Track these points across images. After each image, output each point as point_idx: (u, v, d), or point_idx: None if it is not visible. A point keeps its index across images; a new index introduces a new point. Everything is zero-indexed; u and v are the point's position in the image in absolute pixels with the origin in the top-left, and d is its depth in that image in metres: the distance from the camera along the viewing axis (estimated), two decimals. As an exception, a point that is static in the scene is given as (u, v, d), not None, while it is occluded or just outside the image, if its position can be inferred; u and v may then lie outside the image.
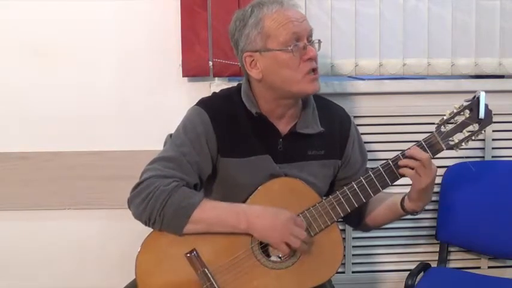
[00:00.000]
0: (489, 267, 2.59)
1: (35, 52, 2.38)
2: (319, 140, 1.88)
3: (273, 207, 1.75)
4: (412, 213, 1.86)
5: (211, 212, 1.74)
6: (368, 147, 2.09)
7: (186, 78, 2.40)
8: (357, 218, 1.97)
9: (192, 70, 2.36)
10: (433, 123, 1.78)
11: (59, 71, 2.40)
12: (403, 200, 1.85)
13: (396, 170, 1.77)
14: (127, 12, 2.39)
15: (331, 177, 1.95)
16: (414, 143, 1.78)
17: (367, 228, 2.04)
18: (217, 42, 2.35)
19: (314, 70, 1.80)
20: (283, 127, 1.87)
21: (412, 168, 1.75)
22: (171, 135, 1.87)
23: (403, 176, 1.78)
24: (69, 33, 2.38)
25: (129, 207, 1.77)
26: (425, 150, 1.75)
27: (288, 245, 1.72)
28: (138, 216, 1.76)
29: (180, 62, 2.36)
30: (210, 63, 2.36)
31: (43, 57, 2.38)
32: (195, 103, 1.90)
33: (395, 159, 1.78)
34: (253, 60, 1.80)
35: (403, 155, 1.77)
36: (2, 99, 2.40)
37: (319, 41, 1.84)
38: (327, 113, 1.93)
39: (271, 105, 1.84)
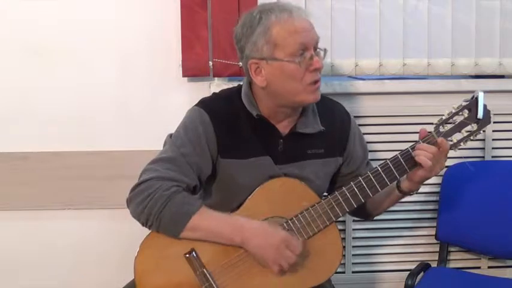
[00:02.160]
0: (489, 267, 2.59)
1: (35, 52, 2.38)
2: (319, 139, 1.89)
3: (270, 226, 1.75)
4: (408, 194, 1.87)
5: (208, 222, 1.74)
6: (368, 147, 2.10)
7: (186, 78, 2.40)
8: None
9: (192, 70, 2.36)
10: (433, 123, 1.78)
11: (59, 71, 2.40)
12: (398, 180, 1.85)
13: (394, 170, 1.77)
14: (127, 12, 2.39)
15: (332, 175, 1.95)
16: (413, 143, 1.78)
17: (365, 215, 2.04)
18: (217, 42, 2.35)
19: (316, 81, 1.79)
20: (284, 128, 1.87)
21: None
22: (171, 135, 1.87)
23: (401, 175, 1.79)
24: (69, 33, 2.38)
25: (128, 207, 1.78)
26: None
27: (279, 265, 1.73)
28: (136, 216, 1.76)
29: (180, 62, 2.36)
30: (210, 63, 2.36)
31: (43, 57, 2.38)
32: (195, 103, 1.91)
33: (394, 159, 1.78)
34: (258, 67, 1.79)
35: (402, 154, 1.77)
36: (2, 99, 2.40)
37: (325, 50, 1.83)
38: (327, 111, 1.93)
39: (272, 109, 1.85)
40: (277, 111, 1.84)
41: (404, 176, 1.82)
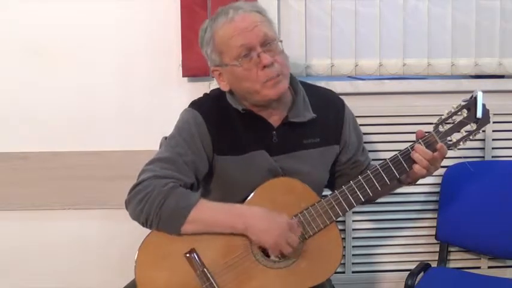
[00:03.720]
0: (489, 267, 2.59)
1: (35, 52, 2.38)
2: (313, 128, 1.89)
3: (271, 211, 1.75)
4: (406, 185, 1.90)
5: (208, 212, 1.74)
6: (368, 146, 2.10)
7: (186, 78, 2.41)
8: None
9: (192, 70, 2.36)
10: (433, 123, 1.78)
11: (59, 71, 2.40)
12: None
13: (394, 169, 1.77)
14: (127, 12, 2.39)
15: (330, 165, 1.95)
16: (413, 142, 1.78)
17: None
18: (217, 42, 2.35)
19: (279, 75, 1.77)
20: (275, 120, 1.87)
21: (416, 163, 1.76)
22: (166, 137, 1.88)
23: (401, 174, 1.79)
24: (69, 34, 2.39)
25: (127, 209, 1.78)
26: None
27: (279, 248, 1.73)
28: (135, 217, 1.76)
29: (180, 62, 2.36)
30: (210, 63, 2.36)
31: (43, 57, 2.39)
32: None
33: (394, 159, 1.78)
34: (220, 74, 1.84)
35: (402, 153, 1.78)
36: (2, 99, 2.41)
37: (280, 41, 1.81)
38: (319, 100, 1.92)
39: (255, 104, 1.85)
40: (260, 107, 1.85)
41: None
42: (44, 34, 2.38)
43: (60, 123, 2.42)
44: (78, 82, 2.41)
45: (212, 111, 1.86)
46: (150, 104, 2.44)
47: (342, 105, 1.97)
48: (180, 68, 2.37)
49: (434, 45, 2.46)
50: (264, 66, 1.75)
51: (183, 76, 2.38)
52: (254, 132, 1.85)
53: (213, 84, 2.38)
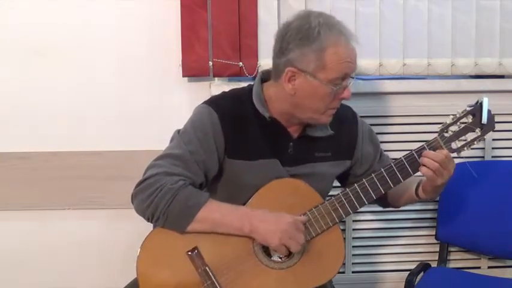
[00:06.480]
0: (489, 267, 2.60)
1: (35, 52, 2.38)
2: (327, 142, 1.89)
3: (275, 212, 1.75)
4: (427, 200, 1.91)
5: (216, 213, 1.73)
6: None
7: (186, 78, 2.40)
8: None
9: (192, 70, 2.36)
10: (434, 123, 1.79)
11: (59, 71, 2.40)
12: (417, 188, 1.87)
13: (399, 173, 1.78)
14: (127, 12, 2.39)
15: (336, 176, 1.96)
16: (418, 147, 1.78)
17: (386, 205, 2.05)
18: (217, 42, 2.35)
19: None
20: (294, 131, 1.87)
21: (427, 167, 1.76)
22: (178, 131, 1.85)
23: (405, 178, 1.79)
24: (69, 34, 2.38)
25: (132, 202, 1.77)
26: None
27: (286, 247, 1.73)
28: (141, 212, 1.75)
29: (180, 62, 2.36)
30: (210, 63, 2.36)
31: (43, 57, 2.38)
32: (195, 103, 1.90)
33: (398, 162, 1.79)
34: (293, 76, 1.77)
35: (407, 157, 1.78)
36: (2, 99, 2.40)
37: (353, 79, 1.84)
38: (336, 116, 1.90)
39: (283, 114, 1.84)
40: (289, 117, 1.84)
41: (421, 186, 1.85)
42: (44, 34, 2.37)
43: (60, 123, 2.42)
44: (78, 82, 2.41)
45: (229, 111, 1.83)
46: (150, 104, 2.44)
47: (355, 120, 1.97)
48: (180, 68, 2.36)
49: (434, 45, 2.46)
50: (341, 99, 1.78)
51: (183, 76, 2.37)
52: (272, 141, 1.84)
53: (214, 85, 2.39)
